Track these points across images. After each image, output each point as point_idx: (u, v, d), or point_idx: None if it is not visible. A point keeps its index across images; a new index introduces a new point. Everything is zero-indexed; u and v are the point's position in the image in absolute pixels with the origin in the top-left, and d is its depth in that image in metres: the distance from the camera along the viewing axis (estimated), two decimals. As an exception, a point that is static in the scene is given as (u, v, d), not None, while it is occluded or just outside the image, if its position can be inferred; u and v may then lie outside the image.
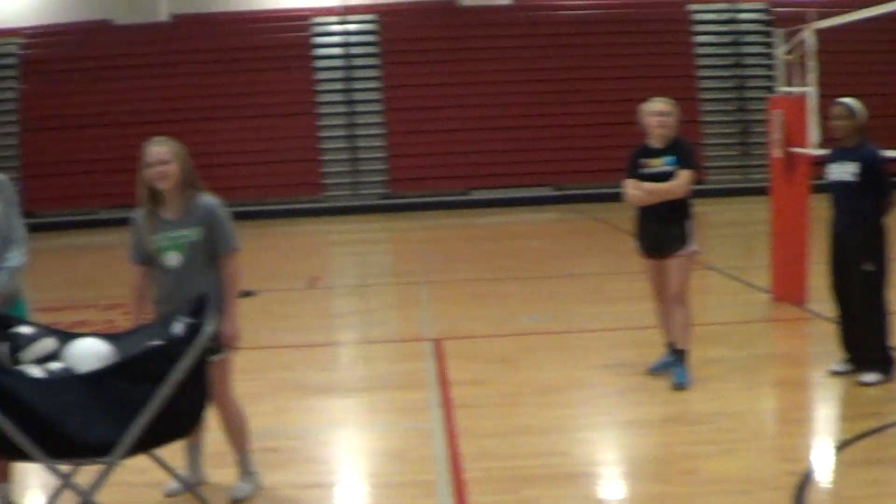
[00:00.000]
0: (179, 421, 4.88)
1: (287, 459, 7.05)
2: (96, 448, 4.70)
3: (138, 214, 6.19)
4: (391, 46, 30.98)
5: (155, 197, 6.11)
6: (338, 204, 29.23)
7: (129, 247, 6.25)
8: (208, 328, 4.86)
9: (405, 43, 30.93)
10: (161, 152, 6.04)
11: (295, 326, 12.29)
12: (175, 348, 4.79)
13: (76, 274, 19.77)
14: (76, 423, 4.64)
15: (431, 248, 20.41)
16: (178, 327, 5.38)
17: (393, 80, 30.54)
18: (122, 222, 25.02)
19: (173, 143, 6.13)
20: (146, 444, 4.82)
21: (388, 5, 31.88)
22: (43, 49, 32.09)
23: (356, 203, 29.23)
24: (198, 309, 5.41)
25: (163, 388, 4.64)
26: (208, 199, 6.14)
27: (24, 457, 4.75)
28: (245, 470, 6.32)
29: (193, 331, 4.90)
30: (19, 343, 5.23)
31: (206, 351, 4.90)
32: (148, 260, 6.16)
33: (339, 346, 11.58)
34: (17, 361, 5.16)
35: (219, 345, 5.81)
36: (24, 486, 6.45)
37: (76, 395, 4.69)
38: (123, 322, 12.55)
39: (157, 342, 5.22)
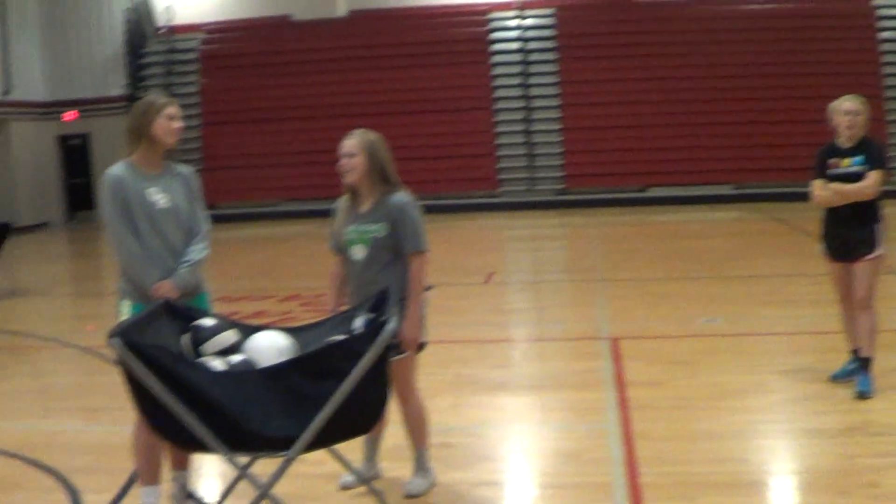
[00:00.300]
0: (358, 418, 4.84)
1: (461, 456, 7.06)
2: (275, 442, 4.72)
3: (339, 204, 6.27)
4: (568, 41, 30.88)
5: (353, 189, 6.16)
6: (513, 199, 29.20)
7: (330, 235, 6.33)
8: (389, 326, 4.77)
9: (582, 38, 30.80)
10: (349, 145, 6.07)
11: (471, 321, 12.30)
12: (355, 345, 4.76)
13: (255, 265, 20.15)
14: (256, 417, 4.66)
15: (607, 245, 20.27)
16: (358, 322, 5.41)
17: (570, 75, 30.43)
18: (300, 215, 25.53)
19: (367, 135, 6.12)
20: (324, 440, 4.81)
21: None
22: (223, 45, 32.91)
23: (531, 199, 29.16)
24: (378, 304, 5.43)
25: (343, 386, 4.63)
26: (400, 196, 6.12)
27: (202, 448, 4.80)
28: (421, 466, 6.33)
29: (374, 327, 4.88)
30: (201, 335, 5.31)
31: (387, 349, 4.83)
32: (342, 251, 6.24)
33: (515, 343, 11.54)
34: (199, 354, 5.24)
35: (400, 344, 5.83)
36: (199, 475, 6.59)
37: (256, 388, 4.70)
38: (300, 313, 12.80)
39: (337, 337, 5.25)
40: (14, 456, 7.41)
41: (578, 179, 29.46)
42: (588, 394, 8.59)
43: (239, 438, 4.70)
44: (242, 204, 30.20)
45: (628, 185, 29.15)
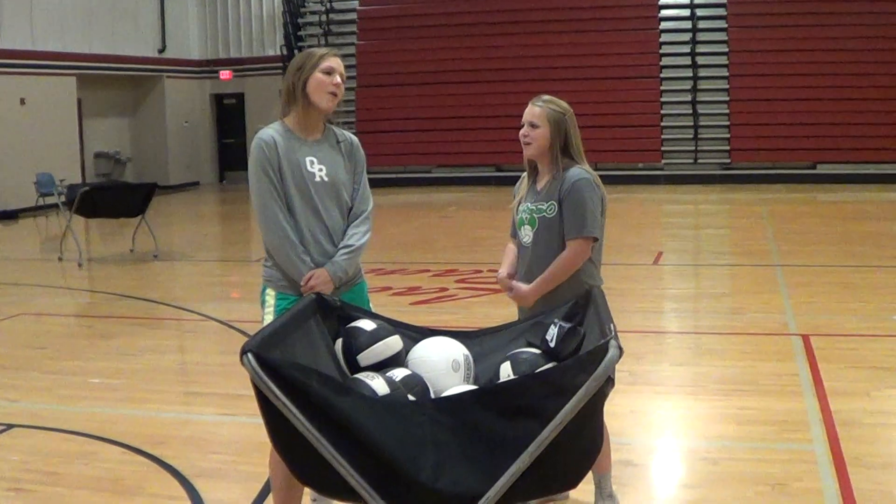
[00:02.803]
0: (562, 472, 3.50)
1: (647, 479, 6.17)
2: (449, 499, 3.37)
3: (519, 182, 5.42)
4: (740, 9, 29.69)
5: (532, 163, 5.31)
6: (676, 172, 28.20)
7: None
8: (610, 354, 3.36)
9: (754, 6, 29.55)
10: (532, 113, 5.17)
11: (643, 308, 11.37)
12: (563, 376, 3.41)
13: (408, 234, 19.47)
14: (426, 465, 3.37)
15: (778, 225, 19.08)
16: (553, 333, 4.16)
17: (739, 44, 29.24)
18: (454, 182, 24.95)
19: (555, 103, 5.20)
20: (515, 497, 3.43)
21: (738, -35, 30.62)
22: (382, 5, 32.48)
23: (695, 172, 28.12)
24: (576, 311, 4.45)
25: (545, 431, 3.33)
26: (575, 172, 5.12)
27: (353, 497, 3.48)
28: (604, 493, 5.40)
29: (591, 354, 3.46)
30: (358, 341, 4.26)
31: (606, 383, 3.44)
32: (514, 234, 5.39)
33: (694, 336, 10.35)
34: (354, 364, 4.23)
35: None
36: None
37: (429, 427, 3.42)
38: (457, 290, 12.09)
39: (526, 350, 4.19)
40: (139, 452, 6.72)
41: (745, 154, 28.28)
42: (785, 403, 7.52)
43: (402, 490, 3.40)
44: (394, 168, 29.66)
45: (797, 161, 27.84)
